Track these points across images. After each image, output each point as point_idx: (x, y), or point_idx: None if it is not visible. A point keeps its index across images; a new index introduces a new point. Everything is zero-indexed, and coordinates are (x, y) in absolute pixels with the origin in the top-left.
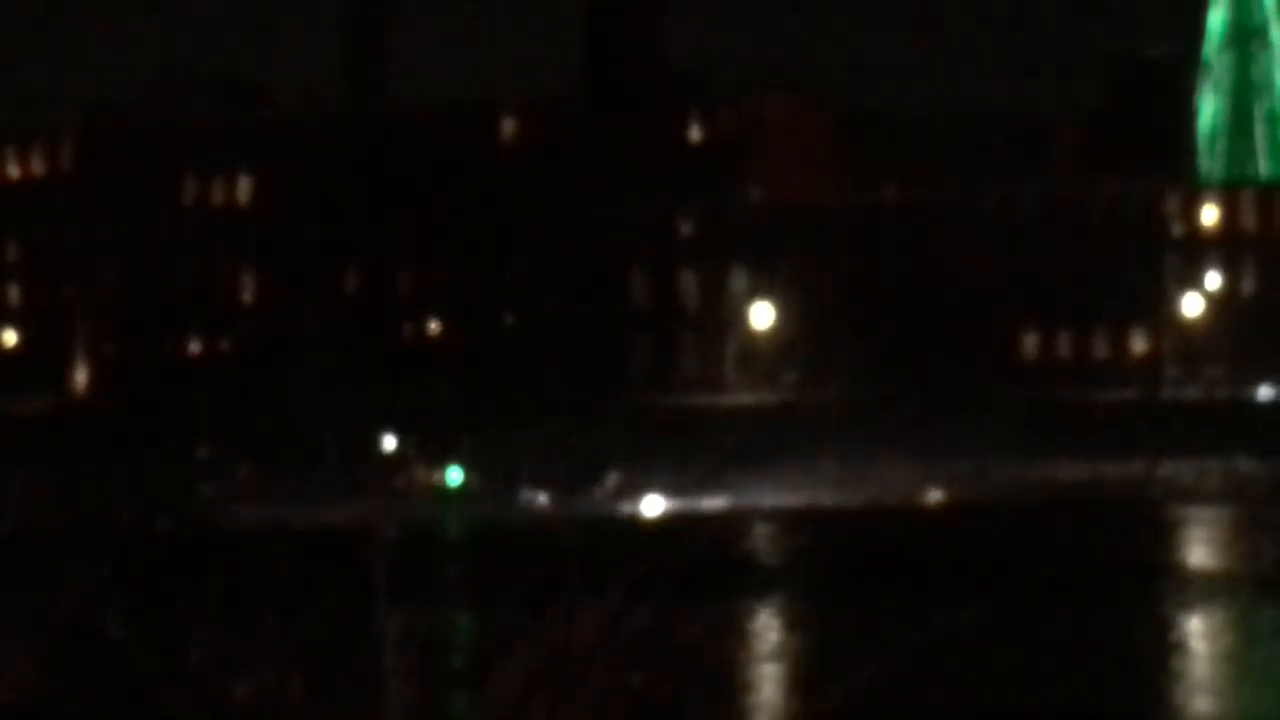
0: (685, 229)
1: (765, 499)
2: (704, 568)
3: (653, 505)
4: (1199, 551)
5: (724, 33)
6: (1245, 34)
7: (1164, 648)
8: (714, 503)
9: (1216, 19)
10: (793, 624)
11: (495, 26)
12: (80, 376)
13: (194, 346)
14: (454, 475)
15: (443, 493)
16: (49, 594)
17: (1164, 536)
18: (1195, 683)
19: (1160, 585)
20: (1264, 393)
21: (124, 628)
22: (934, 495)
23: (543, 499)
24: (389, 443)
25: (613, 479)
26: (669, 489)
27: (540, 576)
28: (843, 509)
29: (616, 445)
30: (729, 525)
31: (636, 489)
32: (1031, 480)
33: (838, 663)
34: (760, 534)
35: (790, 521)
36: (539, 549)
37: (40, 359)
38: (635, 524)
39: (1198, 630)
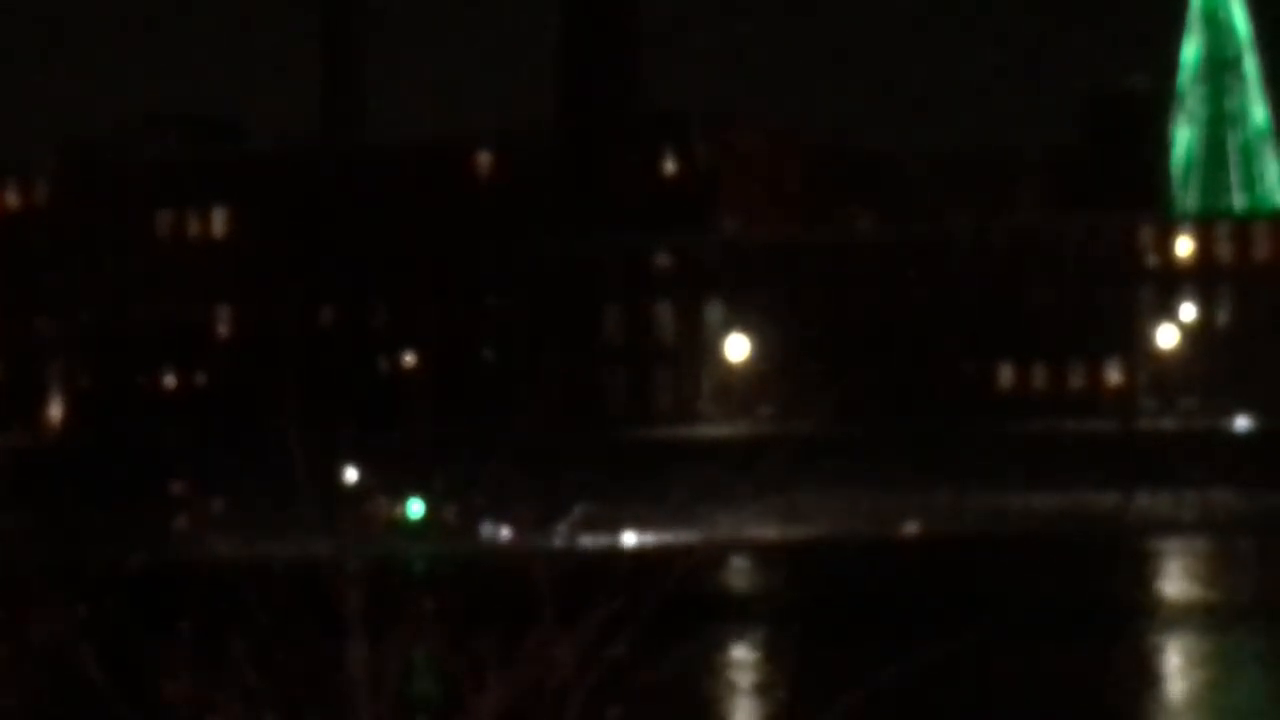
0: (660, 263)
1: (740, 532)
2: (674, 602)
3: (620, 539)
4: (1176, 584)
5: (698, 69)
6: (1219, 66)
7: (1142, 681)
8: (687, 536)
9: (1190, 52)
10: (766, 658)
11: (470, 64)
12: (55, 411)
13: (169, 381)
14: (415, 508)
15: (404, 526)
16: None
17: (1140, 569)
18: (1171, 714)
19: (1137, 618)
20: (1240, 424)
21: (99, 664)
22: (910, 527)
23: (505, 533)
24: (351, 475)
25: (577, 513)
26: (642, 522)
27: (499, 611)
28: (818, 541)
29: (590, 479)
30: (701, 559)
31: (603, 523)
32: (1007, 512)
33: (811, 697)
34: (735, 567)
35: (765, 554)
36: (499, 584)
37: (14, 394)
38: (599, 558)
39: (1175, 664)
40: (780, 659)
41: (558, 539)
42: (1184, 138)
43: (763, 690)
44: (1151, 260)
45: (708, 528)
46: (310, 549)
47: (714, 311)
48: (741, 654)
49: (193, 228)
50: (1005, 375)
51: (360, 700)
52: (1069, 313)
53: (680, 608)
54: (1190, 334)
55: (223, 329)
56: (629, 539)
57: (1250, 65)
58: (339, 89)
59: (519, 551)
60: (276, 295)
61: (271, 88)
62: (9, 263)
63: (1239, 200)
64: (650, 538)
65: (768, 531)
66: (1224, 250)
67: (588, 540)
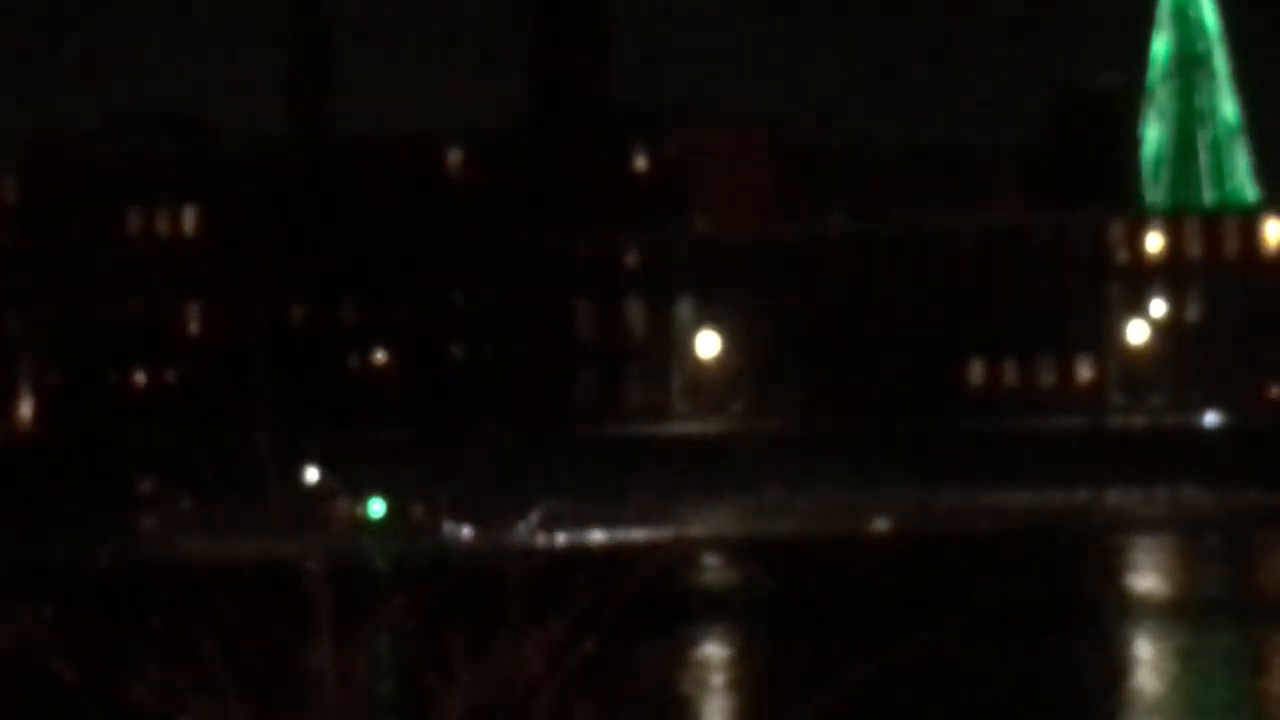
0: (630, 260)
1: (710, 529)
2: (644, 599)
3: (585, 538)
4: (1146, 580)
5: (668, 67)
6: (1189, 62)
7: (1111, 676)
8: (658, 533)
9: (1160, 48)
10: (737, 655)
11: (440, 60)
12: (25, 409)
13: (139, 379)
14: (376, 508)
15: (365, 525)
16: None
17: (1110, 565)
18: (1144, 712)
19: (1107, 614)
20: (1209, 419)
21: (66, 662)
22: (880, 524)
23: (466, 532)
24: (311, 475)
25: (538, 512)
26: (611, 520)
27: (465, 610)
28: (788, 538)
29: (558, 476)
30: (671, 556)
31: (568, 521)
32: (977, 509)
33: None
34: (706, 564)
35: (736, 551)
36: (463, 582)
37: None
38: (562, 557)
39: (1145, 659)
40: (751, 656)
41: (519, 538)
42: (1154, 134)
43: (733, 687)
44: (1121, 256)
45: (678, 525)
46: (277, 548)
47: (685, 308)
48: (712, 651)
49: (162, 225)
50: (976, 372)
51: (328, 698)
52: (1039, 309)
53: (651, 605)
54: (1160, 330)
55: (193, 327)
56: (594, 537)
57: (1220, 61)
58: (307, 86)
59: (480, 550)
60: (246, 293)
61: (240, 85)
62: None
63: (1209, 196)
64: (620, 535)
65: (738, 528)
66: (1194, 246)
67: (552, 538)
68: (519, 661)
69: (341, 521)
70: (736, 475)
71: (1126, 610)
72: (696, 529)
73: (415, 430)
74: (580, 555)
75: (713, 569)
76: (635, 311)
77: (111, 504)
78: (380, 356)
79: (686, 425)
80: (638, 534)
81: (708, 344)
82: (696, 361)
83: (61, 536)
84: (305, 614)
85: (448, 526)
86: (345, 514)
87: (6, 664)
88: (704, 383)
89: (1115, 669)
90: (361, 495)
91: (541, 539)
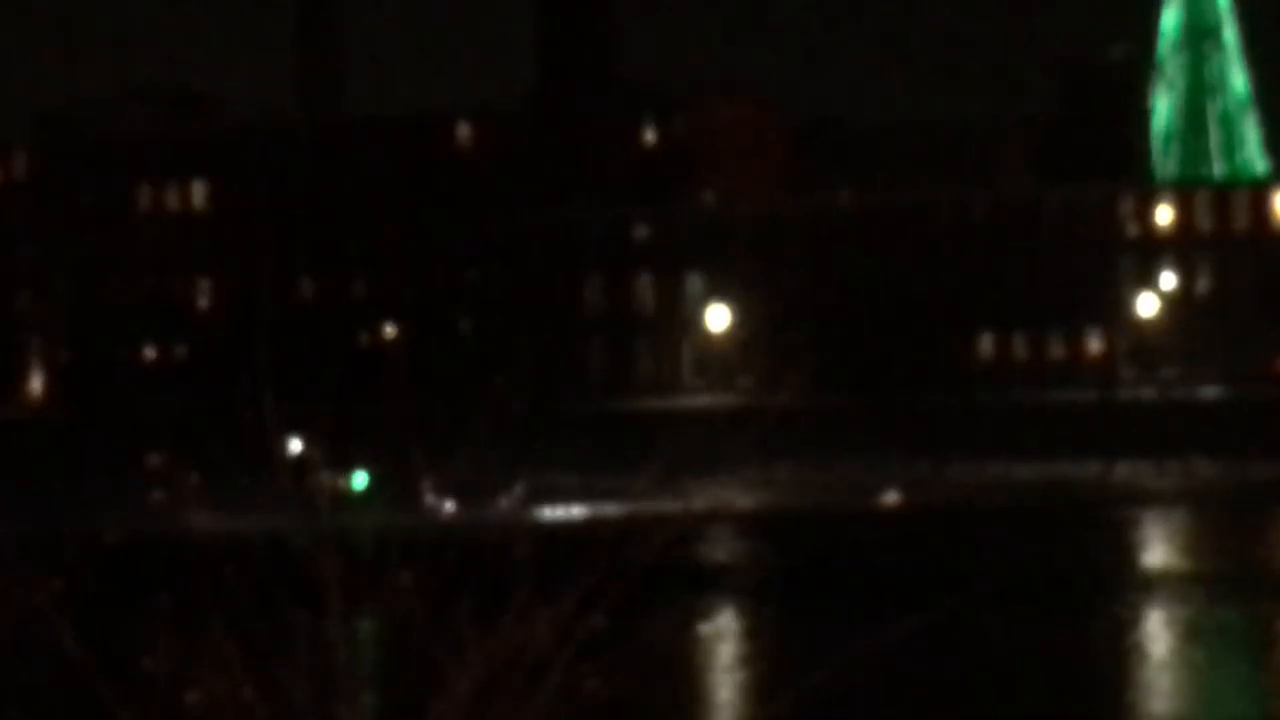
0: (640, 234)
1: (719, 502)
2: (653, 572)
3: (573, 511)
4: (1156, 554)
5: (678, 41)
6: (1199, 35)
7: (1124, 651)
8: (666, 507)
9: (1170, 20)
10: (746, 629)
11: (449, 35)
12: (35, 385)
13: (149, 354)
14: (359, 480)
15: (347, 497)
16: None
17: (1121, 539)
18: (1154, 686)
19: (1117, 588)
20: (1219, 393)
21: (76, 637)
22: (890, 498)
23: (449, 505)
24: (294, 446)
25: (522, 486)
26: (618, 494)
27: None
28: (798, 512)
29: (566, 450)
30: (680, 529)
31: (560, 495)
32: (988, 482)
33: (791, 668)
34: (715, 538)
35: (745, 525)
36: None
37: None
38: (544, 531)
39: (1157, 633)
40: (760, 630)
41: (502, 512)
42: (1164, 106)
43: (743, 661)
44: (1131, 229)
45: (687, 498)
46: (282, 522)
47: (694, 282)
48: (721, 625)
49: (171, 201)
50: (986, 345)
51: (338, 672)
52: (1049, 282)
53: (659, 578)
54: (1170, 303)
55: (202, 302)
56: (576, 511)
57: (1230, 33)
58: (316, 61)
59: (460, 524)
60: (255, 268)
61: (249, 60)
62: None
63: (1219, 169)
64: (621, 509)
65: (747, 502)
66: (1204, 219)
67: (536, 513)
68: (528, 635)
69: (322, 493)
70: (746, 449)
71: (1137, 584)
72: (705, 502)
73: (420, 403)
74: (564, 529)
75: (722, 543)
76: (645, 286)
77: (121, 479)
78: (389, 331)
79: (696, 399)
80: (645, 507)
81: (717, 318)
82: (706, 336)
83: (70, 511)
84: (313, 588)
85: (429, 499)
86: (327, 487)
87: (15, 640)
88: (714, 357)
89: (1126, 642)
90: (346, 468)
91: (526, 513)
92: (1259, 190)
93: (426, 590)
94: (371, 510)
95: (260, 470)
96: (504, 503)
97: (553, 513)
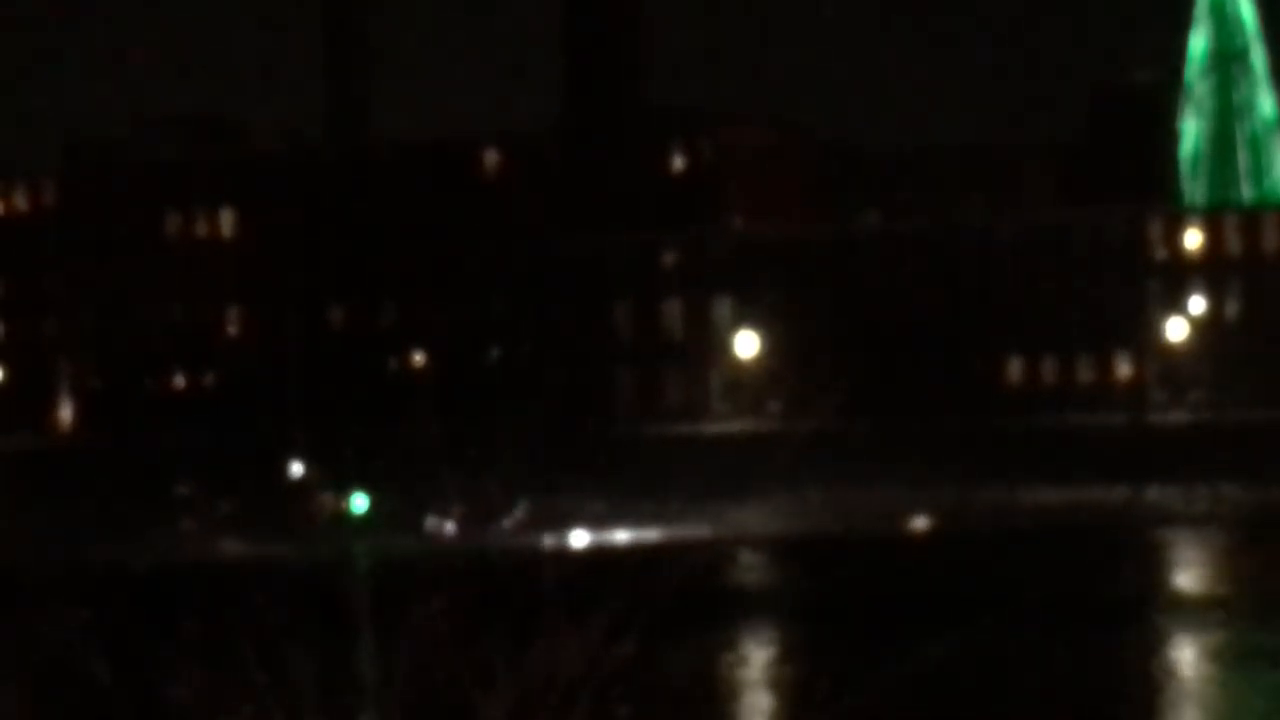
0: (667, 260)
1: (749, 528)
2: (682, 598)
3: (576, 538)
4: (1187, 577)
5: (704, 67)
6: (1227, 58)
7: (1156, 673)
8: (696, 532)
9: (1198, 44)
10: (776, 655)
11: (476, 63)
12: (64, 413)
13: (178, 382)
14: (359, 503)
15: (348, 520)
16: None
17: (1151, 562)
18: (1185, 708)
19: (1148, 612)
20: (1249, 416)
21: (105, 664)
22: (919, 523)
23: (450, 528)
24: (296, 470)
25: (522, 509)
26: (648, 518)
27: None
28: (827, 537)
29: (594, 475)
30: (709, 556)
31: (554, 520)
32: (1017, 507)
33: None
34: (744, 564)
35: (774, 551)
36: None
37: (23, 395)
38: (544, 557)
39: (1186, 657)
40: (791, 655)
41: (503, 534)
42: (1192, 130)
43: (774, 687)
44: (1160, 253)
45: (716, 524)
46: (313, 550)
47: (723, 308)
48: (751, 651)
49: (200, 229)
50: (1014, 369)
51: (369, 699)
52: (1077, 306)
53: (689, 604)
54: (1199, 326)
55: (231, 330)
56: (578, 538)
57: (1258, 57)
58: (343, 88)
59: (460, 547)
60: (284, 296)
61: (276, 88)
62: (17, 264)
63: (1247, 192)
64: (641, 535)
65: (777, 527)
66: (1233, 242)
67: (537, 536)
68: (558, 662)
69: (324, 516)
70: (775, 474)
71: (1168, 607)
72: (734, 528)
73: (447, 430)
74: (559, 556)
75: (751, 568)
76: (673, 312)
77: (150, 507)
78: (418, 359)
79: (725, 425)
80: (674, 532)
81: (746, 344)
82: (734, 361)
83: (99, 540)
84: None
85: (430, 521)
86: (328, 509)
87: (47, 666)
88: (742, 382)
89: (1157, 666)
90: (347, 490)
91: (526, 536)
92: None
93: (431, 612)
94: (371, 532)
95: (264, 495)
96: (506, 525)
97: (578, 539)
